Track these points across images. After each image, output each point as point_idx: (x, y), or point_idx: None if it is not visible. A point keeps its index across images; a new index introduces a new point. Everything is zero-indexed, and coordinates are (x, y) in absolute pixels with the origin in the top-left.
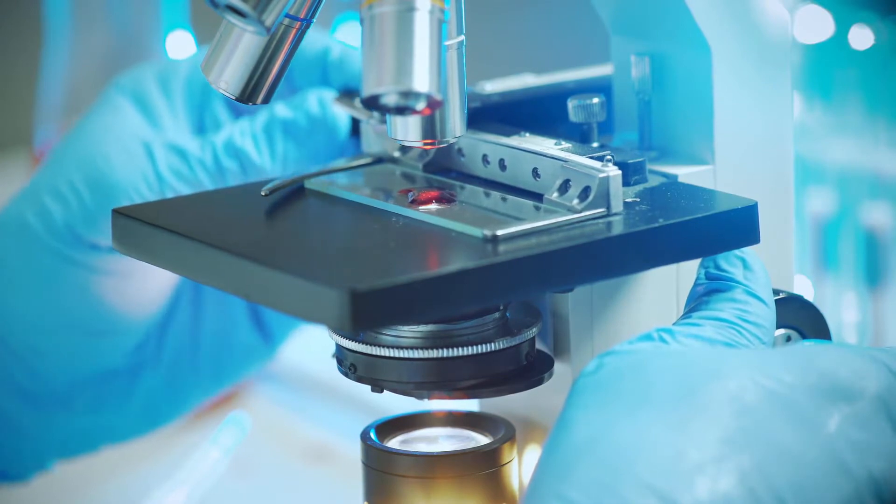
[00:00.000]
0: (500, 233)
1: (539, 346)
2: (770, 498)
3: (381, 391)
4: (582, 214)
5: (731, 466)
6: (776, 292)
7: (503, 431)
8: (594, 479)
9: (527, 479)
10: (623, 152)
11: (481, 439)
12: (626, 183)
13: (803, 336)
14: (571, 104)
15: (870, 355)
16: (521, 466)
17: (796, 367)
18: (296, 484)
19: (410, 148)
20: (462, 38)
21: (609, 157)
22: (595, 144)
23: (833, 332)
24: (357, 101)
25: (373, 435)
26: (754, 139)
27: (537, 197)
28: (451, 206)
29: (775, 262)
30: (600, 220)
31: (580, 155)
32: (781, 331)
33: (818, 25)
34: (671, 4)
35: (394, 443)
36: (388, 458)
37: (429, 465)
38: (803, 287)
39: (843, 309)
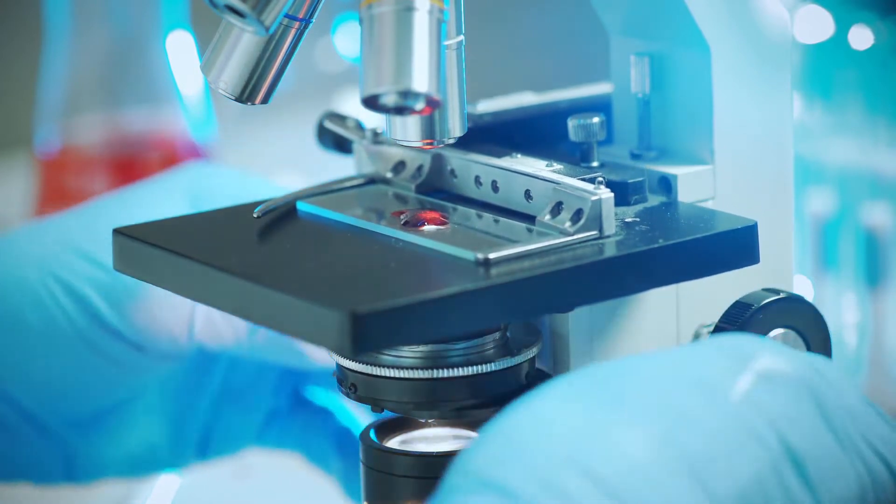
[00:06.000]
0: (492, 256)
1: (539, 365)
2: (681, 465)
3: (382, 411)
4: (574, 237)
5: (644, 434)
6: (776, 292)
7: None
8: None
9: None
10: (623, 171)
11: None
12: (625, 203)
13: (803, 337)
14: (571, 123)
15: (798, 355)
16: None
17: (711, 347)
18: (296, 484)
19: (403, 169)
20: (461, 38)
21: (601, 178)
22: (595, 164)
23: (833, 332)
24: (348, 122)
25: (372, 435)
26: (754, 139)
27: (530, 219)
28: (444, 229)
29: (775, 262)
30: (594, 243)
31: (572, 177)
32: (781, 330)
33: (818, 25)
34: (671, 4)
35: (394, 443)
36: (387, 458)
37: (429, 465)
38: (803, 287)
39: (843, 309)
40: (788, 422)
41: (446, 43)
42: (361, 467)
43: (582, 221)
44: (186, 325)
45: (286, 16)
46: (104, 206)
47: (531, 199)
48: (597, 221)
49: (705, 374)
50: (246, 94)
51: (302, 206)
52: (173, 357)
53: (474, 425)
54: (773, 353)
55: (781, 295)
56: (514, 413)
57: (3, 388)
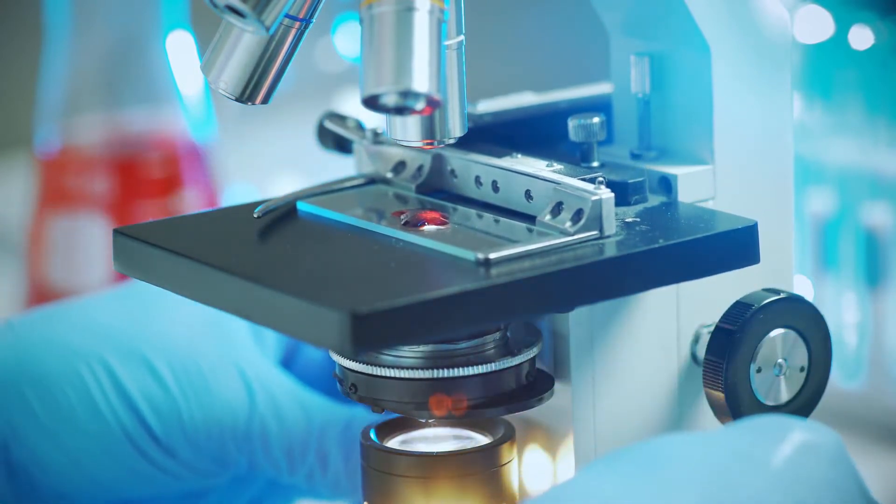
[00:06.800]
0: (492, 256)
1: (539, 365)
2: None
3: (382, 411)
4: (575, 237)
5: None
6: (776, 292)
7: (503, 431)
8: None
9: (527, 480)
10: (623, 171)
11: (481, 439)
12: (626, 203)
13: (803, 337)
14: (572, 123)
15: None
16: (521, 466)
17: (744, 425)
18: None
19: (403, 169)
20: (462, 38)
21: (601, 178)
22: (595, 164)
23: (833, 332)
24: (348, 122)
25: (373, 435)
26: (754, 139)
27: (530, 219)
28: (444, 229)
29: (775, 262)
30: (594, 243)
31: (572, 177)
32: (781, 330)
33: (818, 25)
34: (671, 4)
35: (394, 443)
36: (388, 458)
37: (429, 465)
38: (803, 287)
39: (843, 309)
40: (830, 489)
41: (446, 43)
42: (361, 467)
43: (582, 221)
44: (238, 452)
45: (286, 16)
46: (149, 294)
47: (531, 199)
48: (597, 221)
49: (743, 446)
50: (246, 95)
51: (302, 206)
52: (223, 475)
53: (474, 425)
54: (806, 427)
55: (781, 295)
56: (559, 486)
57: (51, 482)
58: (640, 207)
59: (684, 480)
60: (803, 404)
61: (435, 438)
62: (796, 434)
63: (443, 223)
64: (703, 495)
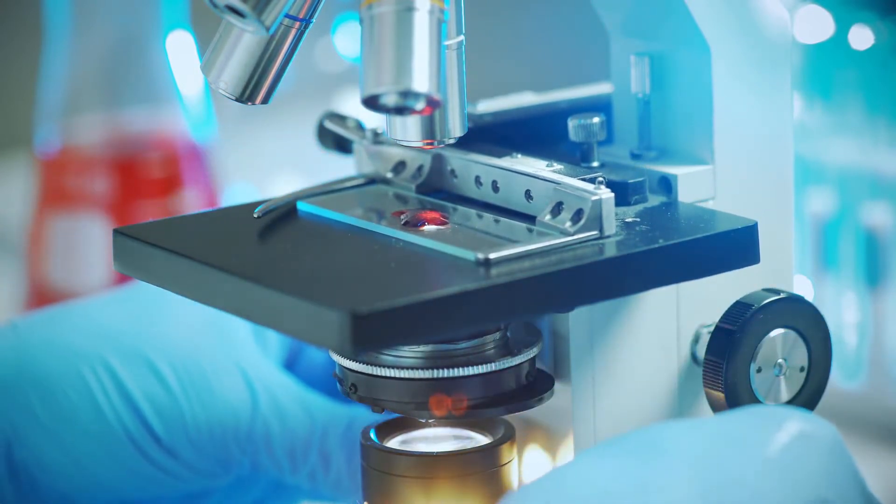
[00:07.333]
0: (492, 256)
1: (539, 365)
2: None
3: (382, 411)
4: (575, 237)
5: (683, 490)
6: (776, 292)
7: (503, 431)
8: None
9: (527, 480)
10: (623, 171)
11: (481, 439)
12: (626, 203)
13: (803, 337)
14: (571, 123)
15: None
16: (521, 466)
17: (743, 413)
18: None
19: (403, 169)
20: (462, 38)
21: (601, 178)
22: (595, 164)
23: (833, 332)
24: (348, 122)
25: (373, 435)
26: (754, 139)
27: (530, 219)
28: (444, 229)
29: (775, 262)
30: (594, 243)
31: (572, 177)
32: (781, 330)
33: (818, 25)
34: (671, 4)
35: (394, 443)
36: (387, 458)
37: (429, 465)
38: (803, 287)
39: (843, 309)
40: (825, 478)
41: (446, 43)
42: (361, 467)
43: (582, 221)
44: (241, 453)
45: (286, 16)
46: (151, 296)
47: (531, 199)
48: (597, 221)
49: (740, 433)
50: (246, 95)
51: (302, 206)
52: (225, 476)
53: (474, 425)
54: (803, 417)
55: (781, 295)
56: (555, 471)
57: (52, 483)
58: (640, 207)
59: (679, 466)
60: (803, 404)
61: (435, 438)
62: (793, 423)
63: (443, 223)
64: (697, 481)
